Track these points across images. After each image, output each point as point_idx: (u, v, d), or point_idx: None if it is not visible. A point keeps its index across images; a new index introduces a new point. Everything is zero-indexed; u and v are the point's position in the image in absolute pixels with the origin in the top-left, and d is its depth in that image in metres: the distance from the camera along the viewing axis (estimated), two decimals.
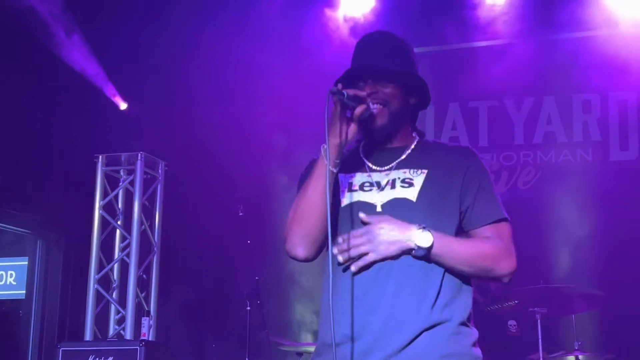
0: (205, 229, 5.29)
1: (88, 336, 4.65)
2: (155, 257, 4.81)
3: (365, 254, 1.88)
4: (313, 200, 1.98)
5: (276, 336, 4.78)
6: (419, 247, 1.86)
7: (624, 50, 5.14)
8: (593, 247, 5.12)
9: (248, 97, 5.42)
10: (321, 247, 2.02)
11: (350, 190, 2.05)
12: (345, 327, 1.93)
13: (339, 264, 1.95)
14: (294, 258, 2.05)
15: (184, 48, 5.39)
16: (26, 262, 5.66)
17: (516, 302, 4.13)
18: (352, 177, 2.07)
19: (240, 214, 4.93)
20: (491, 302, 4.36)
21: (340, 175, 2.04)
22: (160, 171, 4.90)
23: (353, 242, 1.92)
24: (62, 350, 4.15)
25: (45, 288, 5.59)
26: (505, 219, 2.01)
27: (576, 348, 4.13)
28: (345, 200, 2.03)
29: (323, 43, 5.34)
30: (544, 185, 5.49)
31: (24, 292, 5.65)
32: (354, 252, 1.89)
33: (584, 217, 5.19)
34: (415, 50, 4.95)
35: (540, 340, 3.98)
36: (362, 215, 1.95)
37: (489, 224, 1.99)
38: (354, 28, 5.34)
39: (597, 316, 4.80)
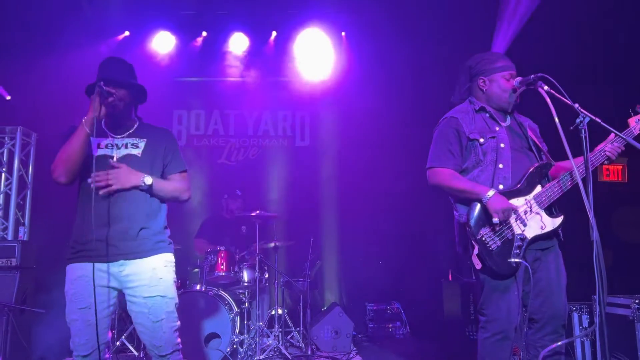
0: None
1: None
2: (29, 191, 5.48)
3: (110, 185, 2.30)
4: (74, 148, 2.31)
5: None
6: (145, 184, 2.37)
7: (304, 88, 6.39)
8: (286, 187, 6.33)
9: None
10: (75, 178, 2.37)
11: (99, 147, 2.42)
12: (98, 230, 2.26)
13: (96, 191, 2.28)
14: (59, 184, 2.35)
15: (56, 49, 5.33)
16: None
17: (245, 216, 4.77)
18: (100, 140, 2.44)
19: None
20: (233, 217, 5.18)
21: (92, 139, 2.37)
22: (32, 138, 5.52)
23: (103, 177, 2.29)
24: None
25: None
26: (185, 170, 2.57)
27: (275, 239, 5.03)
28: (97, 152, 2.40)
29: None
30: (263, 156, 6.55)
31: None
32: (103, 183, 2.29)
33: (284, 173, 6.41)
34: (194, 79, 6.31)
35: (257, 235, 4.73)
36: (112, 161, 2.37)
37: (178, 172, 2.54)
38: (160, 62, 5.97)
39: (287, 223, 5.87)
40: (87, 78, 2.37)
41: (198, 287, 4.47)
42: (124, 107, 2.46)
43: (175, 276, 2.47)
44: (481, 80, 2.78)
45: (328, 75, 6.36)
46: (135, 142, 2.48)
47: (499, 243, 2.56)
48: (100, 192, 2.28)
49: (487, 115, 2.75)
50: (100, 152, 2.42)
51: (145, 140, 2.50)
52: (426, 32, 5.74)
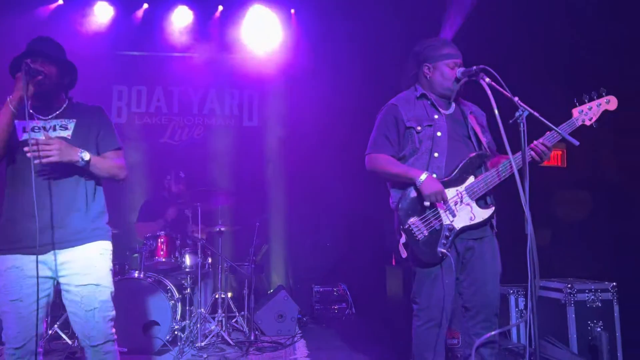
0: None
1: None
2: None
3: (49, 157, 2.15)
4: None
5: None
6: (83, 159, 2.25)
7: (252, 67, 6.24)
8: (233, 169, 6.20)
9: None
10: (1, 157, 2.26)
11: (24, 131, 2.29)
12: (28, 219, 2.17)
13: (38, 168, 2.19)
14: None
15: None
16: None
17: (187, 199, 4.82)
18: (25, 123, 2.27)
19: None
20: (175, 200, 5.10)
21: (17, 122, 2.26)
22: None
23: (44, 147, 2.14)
24: None
25: None
26: (120, 148, 2.45)
27: (219, 223, 4.91)
28: (23, 137, 2.28)
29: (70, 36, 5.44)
30: (208, 136, 6.40)
31: None
32: (43, 154, 2.14)
33: (230, 154, 6.24)
34: (135, 53, 5.96)
35: (199, 219, 4.68)
36: (46, 133, 2.25)
37: (112, 150, 2.42)
38: (98, 35, 5.73)
39: (232, 207, 5.68)
40: (14, 52, 2.29)
41: (136, 274, 4.35)
42: (54, 86, 2.32)
43: (111, 264, 2.39)
44: (426, 67, 2.76)
45: (277, 54, 6.20)
46: (64, 123, 2.35)
47: (425, 233, 2.57)
48: (36, 162, 2.13)
49: (429, 102, 2.74)
50: (26, 135, 2.25)
51: (74, 120, 2.37)
52: (376, 13, 5.67)
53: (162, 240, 4.59)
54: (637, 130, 6.15)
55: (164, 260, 4.58)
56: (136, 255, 4.83)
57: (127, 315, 4.00)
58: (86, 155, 2.26)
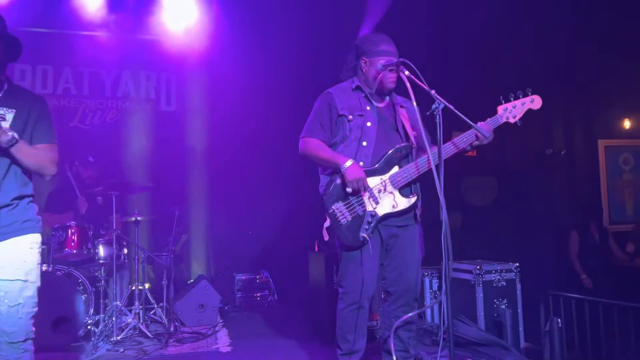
0: None
1: None
2: None
3: None
4: None
5: None
6: (14, 137, 2.10)
7: (169, 48, 5.99)
8: (148, 152, 5.93)
9: None
10: None
11: None
12: None
13: None
14: None
15: None
16: None
17: (101, 188, 4.53)
18: None
19: None
20: (87, 188, 4.79)
21: None
22: None
23: None
24: None
25: None
26: (55, 143, 2.32)
27: (136, 212, 4.72)
28: None
29: None
30: (123, 120, 6.07)
31: None
32: None
33: (147, 139, 5.97)
34: (41, 30, 5.40)
35: (114, 207, 4.44)
36: None
37: (47, 143, 2.28)
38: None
39: (149, 195, 5.74)
40: None
41: (44, 267, 4.14)
42: None
43: (40, 258, 2.30)
44: (363, 61, 2.85)
45: (196, 35, 5.93)
46: (2, 112, 2.18)
47: (349, 218, 2.67)
48: None
49: (363, 95, 2.83)
50: None
51: (14, 111, 2.19)
52: None
53: (72, 230, 4.38)
54: (539, 122, 6.66)
55: (75, 252, 4.38)
56: (44, 247, 4.50)
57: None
58: (16, 135, 2.11)
